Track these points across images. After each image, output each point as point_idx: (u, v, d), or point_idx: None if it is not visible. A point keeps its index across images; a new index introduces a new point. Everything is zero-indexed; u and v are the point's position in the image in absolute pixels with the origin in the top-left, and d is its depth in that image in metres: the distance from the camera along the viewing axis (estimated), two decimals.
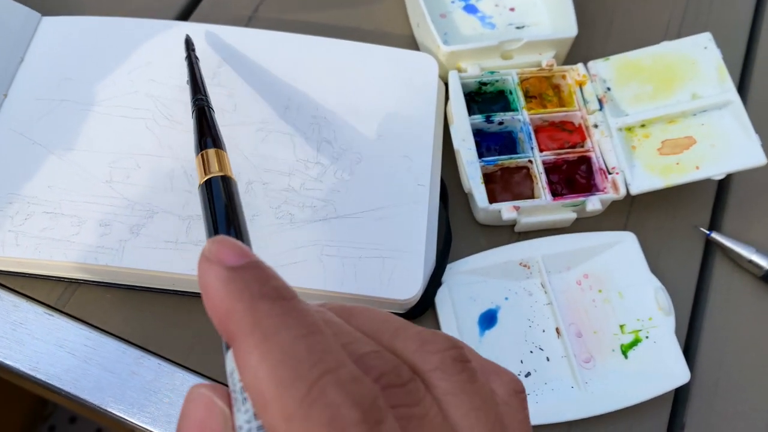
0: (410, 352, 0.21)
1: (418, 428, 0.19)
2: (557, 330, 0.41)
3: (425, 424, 0.19)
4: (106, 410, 0.38)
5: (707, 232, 0.46)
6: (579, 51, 0.50)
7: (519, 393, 0.22)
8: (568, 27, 0.48)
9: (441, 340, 0.21)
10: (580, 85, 0.47)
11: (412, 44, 0.50)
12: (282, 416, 0.17)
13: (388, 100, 0.45)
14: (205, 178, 0.30)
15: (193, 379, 0.39)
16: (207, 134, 0.34)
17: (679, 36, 0.52)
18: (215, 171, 0.31)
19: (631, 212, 0.46)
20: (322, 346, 0.18)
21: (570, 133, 0.46)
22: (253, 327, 0.18)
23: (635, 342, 0.41)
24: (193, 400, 0.20)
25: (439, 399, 0.20)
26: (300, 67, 0.45)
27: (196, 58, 0.42)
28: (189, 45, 0.43)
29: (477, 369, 0.21)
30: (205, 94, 0.38)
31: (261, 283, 0.19)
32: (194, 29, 0.46)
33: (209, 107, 0.37)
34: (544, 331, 0.41)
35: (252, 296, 0.18)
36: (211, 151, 0.33)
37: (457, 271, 0.42)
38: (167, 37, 0.45)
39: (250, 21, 0.50)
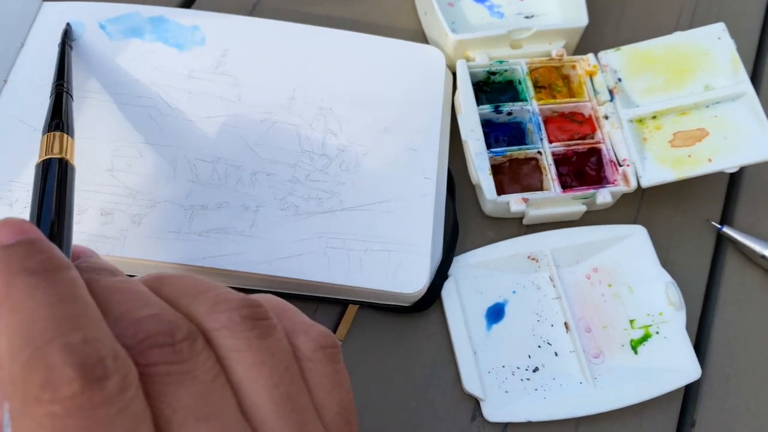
0: (201, 314, 0.21)
1: (176, 384, 0.19)
2: (566, 325, 0.40)
3: (187, 380, 0.19)
4: None
5: (719, 226, 0.45)
6: (589, 41, 0.49)
7: (326, 348, 0.23)
8: (578, 16, 0.47)
9: (235, 299, 0.21)
10: (591, 75, 0.46)
11: (419, 37, 0.49)
12: (9, 380, 0.18)
13: (394, 92, 0.44)
14: (43, 158, 0.31)
15: None
16: (57, 118, 0.35)
17: (691, 26, 0.51)
18: (56, 152, 0.32)
19: (642, 205, 0.45)
20: (64, 313, 0.18)
21: (580, 124, 0.45)
22: (3, 299, 0.19)
23: (645, 337, 0.40)
24: None
25: (223, 357, 0.20)
26: (305, 57, 0.45)
27: (70, 47, 0.42)
28: (65, 33, 0.43)
29: (276, 327, 0.21)
30: (68, 81, 0.39)
31: (25, 258, 0.19)
32: (197, 17, 0.45)
33: (69, 94, 0.38)
34: (552, 325, 0.40)
35: (10, 271, 0.19)
36: (57, 134, 0.33)
37: (464, 264, 0.41)
38: (171, 24, 0.44)
39: (253, 10, 0.49)
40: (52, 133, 0.33)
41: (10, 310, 0.18)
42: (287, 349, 0.22)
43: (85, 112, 0.41)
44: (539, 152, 0.43)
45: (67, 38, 0.43)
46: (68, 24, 0.44)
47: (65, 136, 0.34)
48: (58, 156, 0.32)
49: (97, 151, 0.40)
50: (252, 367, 0.20)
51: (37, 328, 0.18)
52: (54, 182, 0.30)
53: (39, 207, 0.29)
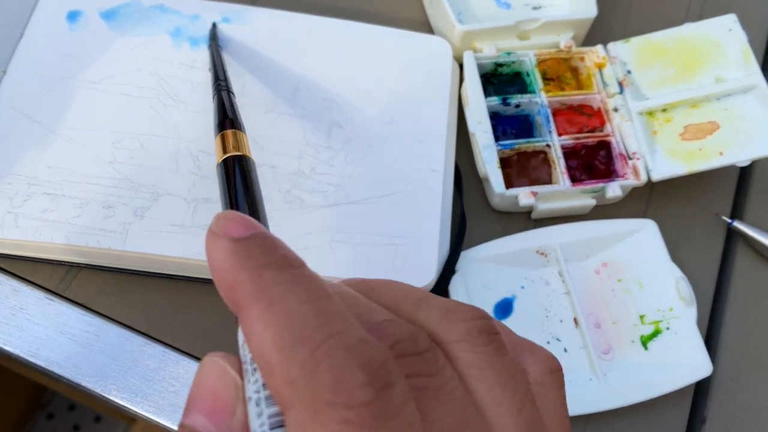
0: (433, 322, 0.20)
1: (434, 401, 0.17)
2: (575, 320, 0.40)
3: (442, 396, 0.18)
4: (108, 398, 0.37)
5: (729, 220, 0.44)
6: (598, 32, 0.48)
7: (555, 371, 0.21)
8: (587, 7, 0.46)
9: (467, 309, 0.20)
10: (600, 67, 0.45)
11: (424, 28, 0.49)
12: (285, 381, 0.16)
13: (400, 84, 0.43)
14: (223, 157, 0.31)
15: None
16: (227, 116, 0.35)
17: (701, 17, 0.51)
18: (232, 150, 0.31)
19: (651, 199, 0.45)
20: (328, 310, 0.17)
21: (589, 117, 0.44)
22: (257, 295, 0.18)
23: (656, 333, 0.40)
24: (207, 367, 0.19)
25: (462, 372, 0.19)
26: (309, 48, 0.44)
27: (219, 46, 0.42)
28: (213, 34, 0.43)
29: (507, 343, 0.20)
30: (226, 80, 0.39)
31: (266, 253, 0.18)
32: (199, 6, 0.44)
33: (230, 91, 0.38)
34: (561, 321, 0.40)
35: (257, 265, 0.18)
36: (230, 132, 0.33)
37: (471, 258, 0.41)
38: (172, 13, 0.44)
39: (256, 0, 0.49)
40: (226, 131, 0.33)
41: (269, 306, 0.17)
42: (522, 369, 0.20)
43: (85, 103, 0.40)
44: (548, 145, 0.43)
45: (214, 38, 0.42)
46: (214, 23, 0.44)
47: (239, 132, 0.33)
48: (239, 153, 0.31)
49: (98, 143, 0.39)
50: (495, 388, 0.19)
51: (308, 325, 0.17)
52: (240, 179, 0.29)
53: (231, 206, 0.28)
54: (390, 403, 0.16)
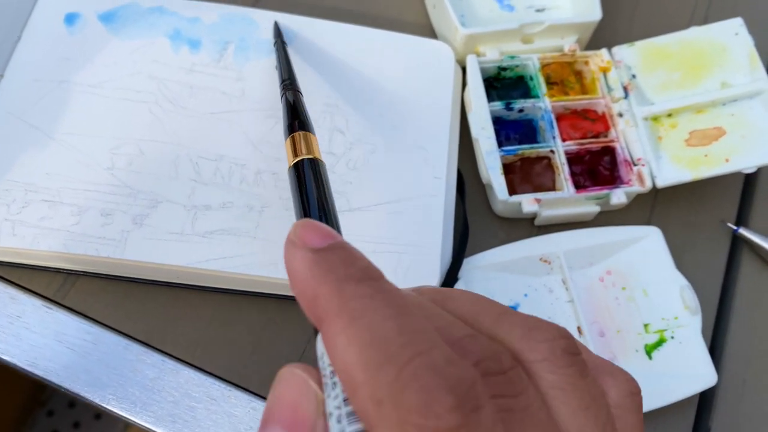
0: (515, 339, 0.19)
1: (520, 422, 0.17)
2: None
3: (527, 418, 0.17)
4: (106, 408, 0.36)
5: (735, 227, 0.44)
6: (602, 36, 0.47)
7: (634, 395, 0.20)
8: (591, 10, 0.45)
9: (550, 328, 0.19)
10: (604, 71, 0.44)
11: (427, 31, 0.48)
12: (372, 400, 0.16)
13: (402, 89, 0.43)
14: (295, 161, 0.31)
15: (198, 377, 0.37)
16: (296, 118, 0.35)
17: (706, 21, 0.50)
18: (304, 153, 0.31)
19: (655, 206, 0.44)
20: (412, 327, 0.17)
21: (593, 122, 0.44)
22: (339, 309, 0.17)
23: (660, 342, 0.39)
24: (286, 380, 0.19)
25: (544, 393, 0.18)
26: (310, 52, 0.43)
27: (284, 43, 0.42)
28: (277, 31, 0.43)
29: (588, 364, 0.19)
30: (293, 79, 0.38)
31: (347, 265, 0.18)
32: (198, 8, 0.43)
33: (298, 91, 0.37)
34: None
35: (338, 278, 0.18)
36: (300, 134, 0.33)
37: (474, 266, 0.40)
38: (171, 15, 0.43)
39: (257, 1, 0.48)
40: (297, 133, 0.33)
41: (352, 320, 0.17)
42: (603, 392, 0.19)
43: (83, 107, 0.40)
44: (552, 151, 0.42)
45: (279, 34, 0.42)
46: (276, 22, 0.43)
47: (309, 134, 0.33)
48: (310, 156, 0.31)
49: (97, 149, 0.39)
50: (578, 412, 0.18)
51: (394, 342, 0.16)
52: (313, 184, 0.29)
53: (304, 211, 0.28)
54: (479, 426, 0.16)
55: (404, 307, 0.17)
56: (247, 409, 0.37)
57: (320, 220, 0.27)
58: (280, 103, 0.37)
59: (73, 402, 1.02)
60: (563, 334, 0.19)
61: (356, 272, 0.18)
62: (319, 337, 0.19)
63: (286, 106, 0.36)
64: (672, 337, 0.39)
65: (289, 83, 0.38)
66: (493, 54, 0.44)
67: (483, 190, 0.43)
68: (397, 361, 0.16)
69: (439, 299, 0.20)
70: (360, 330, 0.17)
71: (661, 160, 0.42)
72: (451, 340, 0.18)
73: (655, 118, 0.43)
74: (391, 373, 0.16)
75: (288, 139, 0.33)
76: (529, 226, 0.43)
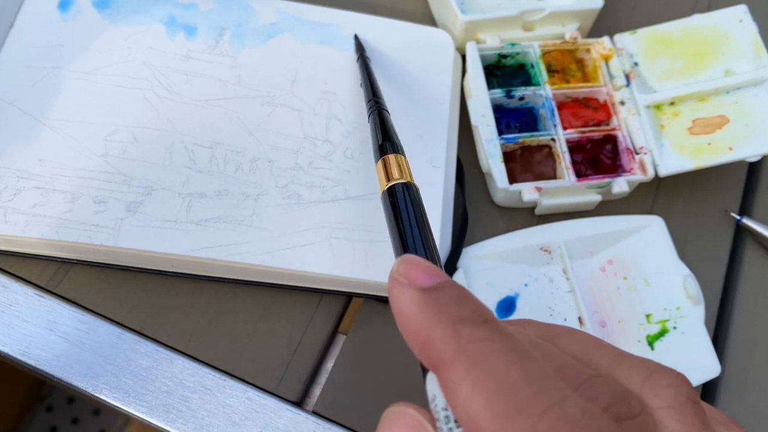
0: (637, 383, 0.18)
1: None
2: (580, 319, 0.39)
3: None
4: (99, 398, 0.36)
5: (738, 217, 0.43)
6: (604, 23, 0.47)
7: None
8: None
9: (673, 373, 0.19)
10: (606, 59, 0.44)
11: (426, 19, 0.47)
12: None
13: (400, 77, 0.42)
14: (388, 185, 0.30)
15: (192, 367, 0.36)
16: (386, 139, 0.33)
17: (709, 8, 0.49)
18: (397, 177, 0.30)
19: (658, 195, 0.44)
20: (540, 374, 0.16)
21: (594, 110, 0.43)
22: (458, 353, 0.17)
23: (662, 333, 0.39)
24: (398, 422, 0.18)
25: None
26: (307, 38, 0.43)
27: (368, 58, 0.41)
28: (359, 46, 0.42)
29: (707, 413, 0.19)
30: (380, 97, 0.37)
31: (459, 305, 0.18)
32: None
33: (385, 110, 0.36)
34: (565, 319, 0.39)
35: (452, 320, 0.17)
36: (392, 157, 0.32)
37: (473, 255, 0.39)
38: (167, 2, 0.42)
39: None
40: (387, 156, 0.32)
41: (473, 367, 0.16)
42: None
43: (77, 94, 0.39)
44: (553, 139, 0.41)
45: (361, 49, 0.41)
46: (356, 35, 0.42)
47: (400, 157, 0.32)
48: (402, 181, 0.30)
49: (90, 136, 0.38)
50: None
51: (523, 392, 0.16)
52: (411, 212, 0.28)
53: (402, 242, 0.27)
54: None
55: (526, 351, 0.17)
56: (242, 399, 0.36)
57: (422, 253, 0.26)
58: (368, 123, 0.36)
59: (72, 398, 1.02)
60: (685, 380, 0.19)
61: (470, 314, 0.17)
62: (430, 379, 0.18)
63: (375, 126, 0.35)
64: (674, 328, 0.39)
65: (375, 102, 0.36)
66: (493, 41, 0.43)
67: (483, 178, 0.43)
68: (530, 413, 0.15)
69: (548, 336, 0.20)
70: (484, 376, 0.16)
71: (664, 148, 0.41)
72: (576, 382, 0.17)
73: (658, 107, 0.42)
74: (524, 425, 0.15)
75: (379, 161, 0.32)
76: (530, 216, 0.42)
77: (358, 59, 0.41)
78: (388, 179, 0.30)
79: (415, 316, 0.18)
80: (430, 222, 0.27)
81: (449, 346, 0.17)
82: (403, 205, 0.28)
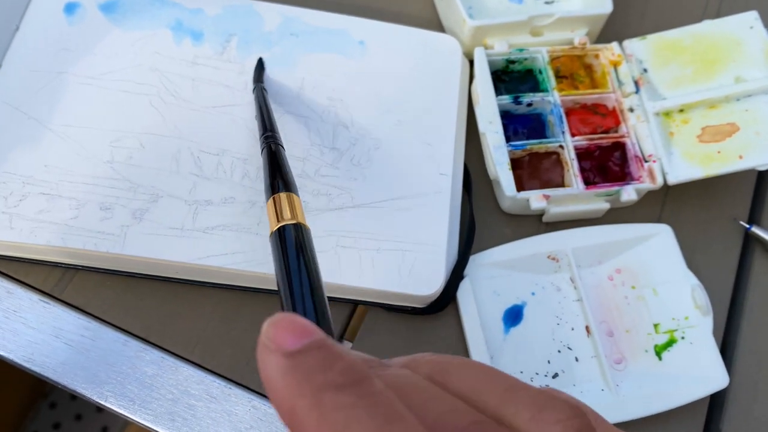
0: (524, 421, 0.18)
1: None
2: (587, 328, 0.38)
3: None
4: (104, 405, 0.36)
5: (747, 225, 0.43)
6: (613, 29, 0.46)
7: None
8: (602, 3, 0.44)
9: (561, 406, 0.18)
10: (615, 65, 0.43)
11: (433, 25, 0.47)
12: None
13: (408, 84, 0.42)
14: (278, 226, 0.29)
15: (198, 374, 0.36)
16: (278, 176, 0.32)
17: (719, 14, 0.49)
18: (287, 218, 0.29)
19: (666, 203, 0.43)
20: None
21: (603, 116, 0.43)
22: (320, 424, 0.16)
23: (670, 342, 0.38)
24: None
25: None
26: (314, 44, 0.42)
27: (264, 89, 0.39)
28: (257, 74, 0.40)
29: None
30: (275, 131, 0.36)
31: (325, 368, 0.17)
32: (202, 0, 0.42)
33: (280, 145, 0.35)
34: (573, 329, 0.39)
35: (314, 388, 0.16)
36: (283, 195, 0.31)
37: (480, 263, 0.39)
38: (174, 7, 0.42)
39: None
40: (278, 194, 0.31)
41: None
42: None
43: (83, 99, 0.39)
44: (561, 146, 0.41)
45: (259, 79, 0.40)
46: (260, 59, 0.41)
47: (292, 195, 0.31)
48: (293, 222, 0.29)
49: (96, 142, 0.38)
50: None
51: None
52: (298, 254, 0.28)
53: (289, 285, 0.26)
54: None
55: (393, 414, 0.16)
56: (247, 408, 0.36)
57: (303, 300, 0.26)
58: (261, 156, 0.35)
59: (75, 395, 1.02)
60: (577, 412, 0.18)
61: (336, 377, 0.17)
62: None
63: (267, 161, 0.33)
64: (682, 338, 0.38)
65: (267, 137, 0.35)
66: (501, 46, 0.43)
67: (490, 185, 0.42)
68: None
69: (438, 374, 0.19)
70: None
71: (673, 156, 0.41)
72: (451, 429, 0.16)
73: (667, 114, 0.42)
74: None
75: (269, 200, 0.31)
76: (537, 223, 0.42)
77: (254, 89, 0.39)
78: (278, 220, 0.29)
79: (278, 384, 0.17)
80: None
81: (311, 417, 0.16)
82: (291, 248, 0.28)
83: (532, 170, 0.42)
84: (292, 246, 0.28)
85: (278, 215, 0.30)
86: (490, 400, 0.18)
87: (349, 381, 0.17)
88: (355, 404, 0.16)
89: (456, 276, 0.38)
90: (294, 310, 0.25)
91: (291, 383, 0.17)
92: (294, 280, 0.26)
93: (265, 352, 0.17)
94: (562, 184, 0.41)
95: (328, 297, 0.37)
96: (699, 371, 0.38)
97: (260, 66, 0.41)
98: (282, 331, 0.17)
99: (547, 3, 0.47)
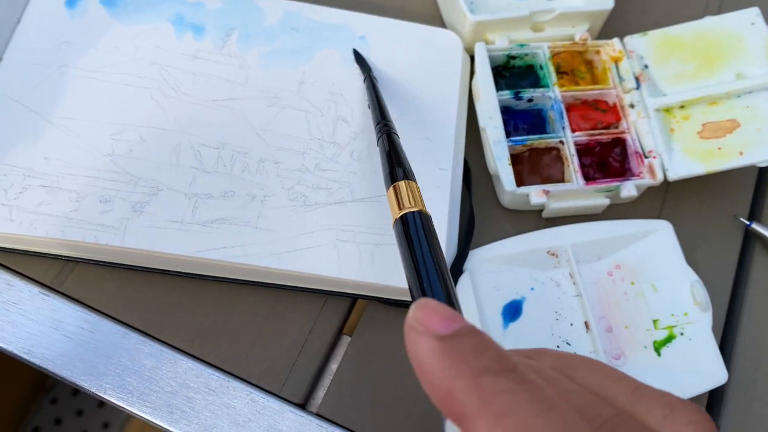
0: (656, 420, 0.18)
1: None
2: (586, 324, 0.38)
3: None
4: (103, 397, 0.36)
5: (747, 222, 0.43)
6: (614, 25, 0.46)
7: None
8: None
9: (692, 410, 0.19)
10: (616, 61, 0.43)
11: (434, 20, 0.47)
12: None
13: (408, 78, 0.42)
14: (400, 214, 0.29)
15: (197, 367, 0.36)
16: (398, 165, 0.32)
17: (720, 10, 0.49)
18: (410, 206, 0.29)
19: (666, 199, 0.43)
20: (563, 423, 0.16)
21: (603, 112, 0.43)
22: (481, 407, 0.16)
23: (669, 339, 0.38)
24: None
25: None
26: (315, 39, 0.42)
27: (375, 78, 0.40)
28: (363, 65, 0.40)
29: None
30: (389, 119, 0.36)
31: (479, 354, 0.17)
32: None
33: (395, 134, 0.35)
34: (572, 324, 0.39)
35: (473, 371, 0.17)
36: (403, 184, 0.31)
37: (480, 258, 0.39)
38: (175, 1, 0.42)
39: None
40: (399, 182, 0.31)
41: (498, 420, 0.16)
42: None
43: (84, 92, 0.39)
44: (561, 141, 0.41)
45: (365, 67, 0.40)
46: (355, 50, 0.41)
47: (412, 183, 0.31)
48: (415, 209, 0.29)
49: (96, 135, 0.38)
50: None
51: None
52: (425, 244, 0.27)
53: (417, 273, 0.26)
54: None
55: (549, 400, 0.17)
56: (245, 401, 0.36)
57: (437, 287, 0.26)
58: (377, 147, 0.35)
59: (76, 390, 1.02)
60: (705, 416, 0.18)
61: (491, 363, 0.17)
62: (449, 426, 0.18)
63: (384, 151, 0.34)
64: (681, 334, 0.38)
65: (384, 125, 0.35)
66: (502, 42, 0.43)
67: (490, 180, 0.42)
68: None
69: (565, 368, 0.19)
70: (509, 430, 0.16)
71: (673, 152, 0.41)
72: (596, 423, 0.17)
73: (668, 110, 0.42)
74: None
75: (390, 189, 0.31)
76: (537, 219, 0.42)
77: (365, 79, 0.40)
78: (400, 207, 0.30)
79: (434, 367, 0.17)
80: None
81: (471, 399, 0.16)
82: (415, 236, 0.28)
83: (532, 166, 0.41)
84: (416, 233, 0.28)
85: (399, 203, 0.30)
86: (619, 397, 0.19)
87: (503, 368, 0.17)
88: (514, 390, 0.16)
89: (455, 271, 0.38)
90: (424, 296, 0.25)
91: (447, 365, 0.17)
92: (421, 268, 0.26)
93: (414, 335, 0.18)
94: (562, 180, 0.41)
95: (328, 291, 0.37)
96: (698, 367, 0.38)
97: (360, 56, 0.41)
98: (431, 315, 0.18)
99: None
